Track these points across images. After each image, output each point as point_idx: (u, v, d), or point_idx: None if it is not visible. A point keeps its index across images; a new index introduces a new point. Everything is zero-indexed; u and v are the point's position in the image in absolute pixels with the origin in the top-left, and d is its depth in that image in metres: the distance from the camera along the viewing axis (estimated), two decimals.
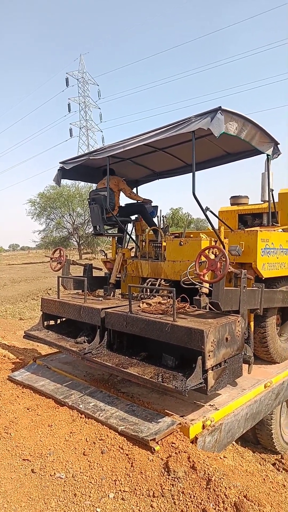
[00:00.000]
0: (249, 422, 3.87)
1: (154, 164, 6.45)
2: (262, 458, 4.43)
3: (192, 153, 4.15)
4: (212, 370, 3.25)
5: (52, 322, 5.31)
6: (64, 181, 6.14)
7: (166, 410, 3.47)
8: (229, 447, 4.22)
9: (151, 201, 6.32)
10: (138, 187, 7.26)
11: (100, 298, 5.03)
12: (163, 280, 5.00)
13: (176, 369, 3.54)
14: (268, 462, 4.36)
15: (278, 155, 5.14)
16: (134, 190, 6.96)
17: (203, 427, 3.26)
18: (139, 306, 4.23)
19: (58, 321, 5.34)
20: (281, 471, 4.18)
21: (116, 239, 6.12)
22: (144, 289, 4.91)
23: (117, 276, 5.71)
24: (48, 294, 14.52)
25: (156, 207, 6.42)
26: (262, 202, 6.19)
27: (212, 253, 4.04)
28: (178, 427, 3.18)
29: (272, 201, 5.23)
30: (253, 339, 4.38)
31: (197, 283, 4.07)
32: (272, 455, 4.56)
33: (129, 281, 5.61)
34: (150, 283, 4.96)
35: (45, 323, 5.24)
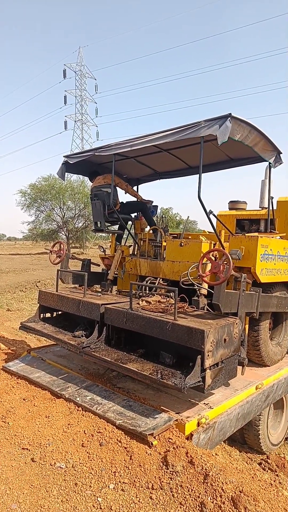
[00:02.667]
0: (240, 422, 3.98)
1: (157, 164, 6.50)
2: (249, 458, 4.55)
3: (199, 157, 4.21)
4: (210, 369, 3.35)
5: (48, 315, 5.35)
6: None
7: (162, 407, 3.55)
8: (217, 445, 4.33)
9: (152, 201, 6.39)
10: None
11: (99, 294, 5.08)
12: (161, 280, 5.08)
13: (173, 367, 3.63)
14: (254, 462, 4.48)
15: (280, 164, 5.26)
16: (135, 188, 7.00)
17: (198, 424, 3.36)
18: (138, 303, 4.29)
19: (54, 314, 5.37)
20: (267, 471, 4.29)
21: (115, 236, 6.17)
22: (143, 287, 4.98)
23: (115, 273, 5.77)
24: (37, 286, 14.50)
25: (156, 206, 6.48)
26: (260, 209, 6.32)
27: (213, 256, 4.13)
28: (174, 423, 3.27)
29: (271, 208, 5.35)
30: (247, 341, 4.49)
31: (196, 284, 4.16)
32: (258, 455, 4.69)
33: (127, 279, 5.67)
34: (149, 281, 5.03)
35: (42, 315, 5.27)
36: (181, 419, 3.32)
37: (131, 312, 3.92)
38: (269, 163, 5.13)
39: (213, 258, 4.00)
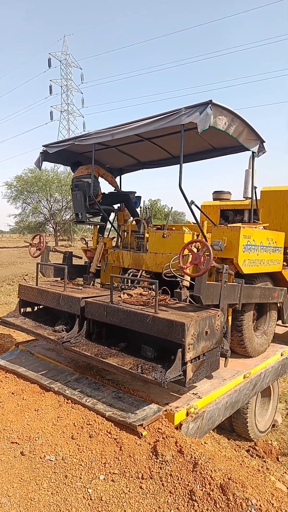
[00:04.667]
0: (228, 411, 4.02)
1: (139, 154, 6.44)
2: (237, 445, 4.63)
3: (180, 145, 4.16)
4: (191, 362, 3.30)
5: (29, 309, 5.24)
6: (43, 166, 6.00)
7: (151, 398, 3.58)
8: (206, 434, 4.39)
9: (135, 192, 6.36)
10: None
11: (80, 287, 5.02)
12: (144, 272, 5.03)
13: (155, 360, 3.58)
14: (242, 449, 4.56)
15: (263, 153, 5.27)
16: (117, 178, 6.94)
17: (187, 414, 3.39)
18: (120, 296, 4.23)
19: (35, 309, 5.28)
20: (255, 457, 4.38)
21: (98, 228, 6.12)
22: (125, 279, 4.94)
23: (98, 265, 5.73)
24: (24, 280, 14.38)
25: (139, 197, 6.45)
26: (244, 199, 6.35)
27: (195, 247, 4.10)
28: (163, 413, 3.30)
29: (254, 198, 5.36)
30: (230, 333, 4.48)
31: (178, 276, 4.13)
32: (246, 442, 4.77)
33: (109, 271, 5.63)
34: (131, 274, 4.99)
35: (22, 310, 5.17)
36: (170, 409, 3.35)
37: (112, 306, 3.86)
38: (253, 152, 5.13)
39: (195, 250, 3.98)
